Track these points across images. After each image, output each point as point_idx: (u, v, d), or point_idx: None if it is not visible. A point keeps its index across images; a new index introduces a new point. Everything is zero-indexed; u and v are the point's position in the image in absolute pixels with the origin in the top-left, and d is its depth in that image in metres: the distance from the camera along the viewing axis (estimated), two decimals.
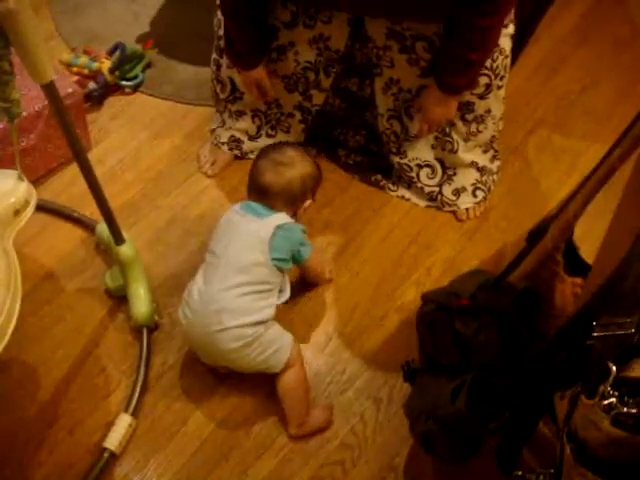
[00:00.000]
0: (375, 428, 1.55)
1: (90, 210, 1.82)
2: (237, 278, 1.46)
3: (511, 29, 1.66)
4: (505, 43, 1.66)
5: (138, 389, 1.56)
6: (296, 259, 1.57)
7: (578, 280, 1.33)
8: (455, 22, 1.51)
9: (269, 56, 1.76)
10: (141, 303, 1.63)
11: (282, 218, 1.55)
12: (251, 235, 1.50)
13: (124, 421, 1.50)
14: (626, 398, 0.77)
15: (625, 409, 0.76)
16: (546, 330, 1.24)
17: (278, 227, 1.51)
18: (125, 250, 1.61)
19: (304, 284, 1.76)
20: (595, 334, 0.87)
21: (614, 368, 0.79)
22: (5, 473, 1.47)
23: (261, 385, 1.59)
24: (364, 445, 1.53)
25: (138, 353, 1.62)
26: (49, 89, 1.16)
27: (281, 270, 1.52)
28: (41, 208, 1.82)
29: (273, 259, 1.48)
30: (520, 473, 1.10)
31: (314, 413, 1.55)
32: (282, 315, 1.69)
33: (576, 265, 1.35)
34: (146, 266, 1.71)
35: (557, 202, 1.91)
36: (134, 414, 1.52)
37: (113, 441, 1.47)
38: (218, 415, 1.56)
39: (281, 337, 1.53)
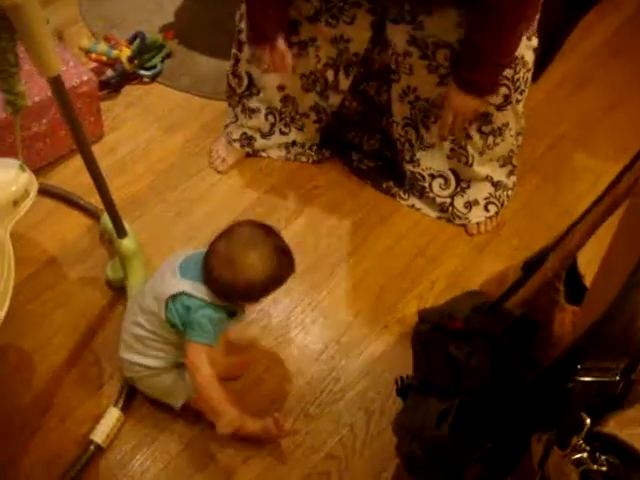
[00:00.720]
0: (364, 440, 1.53)
1: (98, 199, 1.81)
2: (138, 317, 1.44)
3: (534, 42, 1.62)
4: (528, 56, 1.62)
5: (128, 385, 1.54)
6: (185, 332, 1.40)
7: (577, 309, 1.30)
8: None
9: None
10: None
11: (194, 289, 1.39)
12: (161, 286, 1.42)
13: (112, 415, 1.49)
14: (598, 454, 0.74)
15: (595, 466, 0.73)
16: (543, 358, 1.22)
17: (180, 294, 1.39)
18: (126, 243, 1.60)
19: (301, 291, 1.74)
20: (578, 378, 0.84)
21: (588, 421, 0.75)
22: None
23: (251, 389, 1.58)
24: (351, 457, 1.51)
25: None
26: (55, 82, 1.15)
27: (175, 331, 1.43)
28: (48, 193, 1.83)
29: (166, 320, 1.40)
30: None
31: (265, 422, 1.48)
32: (278, 318, 1.70)
33: (579, 293, 1.31)
34: (148, 260, 1.70)
35: (571, 222, 1.91)
36: (123, 408, 1.51)
37: (100, 434, 1.47)
38: (205, 419, 1.53)
39: (178, 386, 1.47)
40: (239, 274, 1.36)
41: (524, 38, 1.57)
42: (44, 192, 1.79)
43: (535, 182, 2.00)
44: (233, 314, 1.43)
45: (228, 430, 1.38)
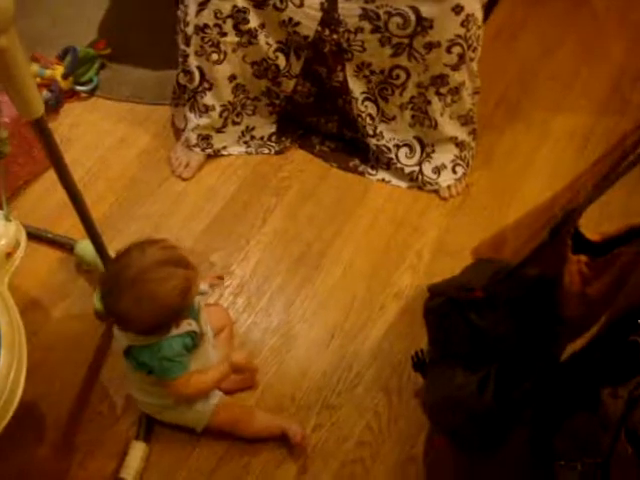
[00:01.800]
0: (389, 420, 1.55)
1: (63, 228, 1.74)
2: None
3: None
4: (478, 12, 1.64)
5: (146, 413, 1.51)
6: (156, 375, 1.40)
7: (583, 258, 1.34)
8: None
9: (240, 41, 1.71)
10: None
11: (137, 339, 1.34)
12: (115, 341, 1.41)
13: (137, 449, 1.45)
14: None
15: None
16: (562, 310, 1.25)
17: (131, 347, 1.35)
18: None
19: (295, 285, 1.73)
20: None
21: None
22: None
23: (269, 391, 1.57)
24: (381, 439, 1.53)
25: None
26: (39, 124, 1.08)
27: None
28: None
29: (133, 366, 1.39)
30: (563, 463, 1.11)
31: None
32: (279, 317, 1.69)
33: (578, 242, 1.35)
34: None
35: (534, 171, 1.97)
36: (145, 440, 1.47)
37: (130, 471, 1.43)
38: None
39: (194, 412, 1.45)
40: (136, 322, 1.29)
41: None
42: None
43: (492, 137, 2.02)
44: (188, 335, 1.37)
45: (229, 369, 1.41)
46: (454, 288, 1.37)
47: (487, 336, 1.28)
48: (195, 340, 1.39)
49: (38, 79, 1.96)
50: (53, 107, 1.96)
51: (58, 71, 1.95)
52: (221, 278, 1.68)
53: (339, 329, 1.67)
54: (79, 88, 2.02)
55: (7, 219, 1.23)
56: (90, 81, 2.04)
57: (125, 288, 1.26)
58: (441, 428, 1.36)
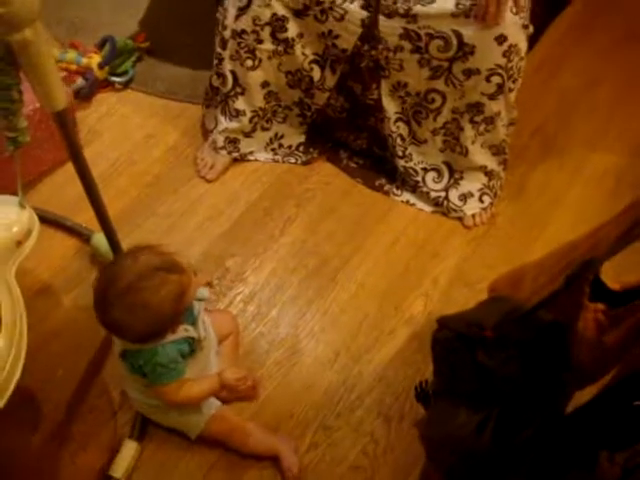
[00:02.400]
0: (386, 447, 1.52)
1: (83, 217, 1.73)
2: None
3: (530, 30, 1.61)
4: (522, 44, 1.61)
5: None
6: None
7: (600, 306, 1.30)
8: None
9: (276, 49, 1.70)
10: None
11: (127, 344, 1.34)
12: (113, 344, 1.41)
13: (129, 448, 1.44)
14: None
15: None
16: (571, 358, 1.22)
17: (126, 351, 1.35)
18: None
19: (307, 299, 1.71)
20: None
21: None
22: None
23: (268, 404, 1.55)
24: (376, 466, 1.50)
25: None
26: (61, 116, 1.08)
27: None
28: None
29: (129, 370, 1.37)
30: None
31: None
32: (287, 331, 1.67)
33: (597, 289, 1.32)
34: None
35: (563, 208, 1.92)
36: (138, 439, 1.46)
37: (119, 469, 1.42)
38: None
39: (189, 418, 1.45)
40: (130, 332, 1.27)
41: (520, 25, 1.55)
42: None
43: (524, 168, 1.99)
44: (185, 340, 1.35)
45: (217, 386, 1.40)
46: (465, 323, 1.33)
47: (493, 376, 1.25)
48: (192, 346, 1.37)
49: (74, 66, 1.97)
50: (86, 96, 1.97)
51: (94, 60, 1.96)
52: (210, 285, 1.63)
53: (345, 349, 1.64)
54: (114, 79, 2.02)
55: (21, 206, 1.23)
56: (126, 73, 2.04)
57: (117, 298, 1.24)
58: (437, 465, 1.33)
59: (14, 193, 1.24)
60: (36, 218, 1.25)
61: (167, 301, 1.27)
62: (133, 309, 1.24)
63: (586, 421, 0.97)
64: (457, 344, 1.34)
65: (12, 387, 1.10)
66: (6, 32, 0.91)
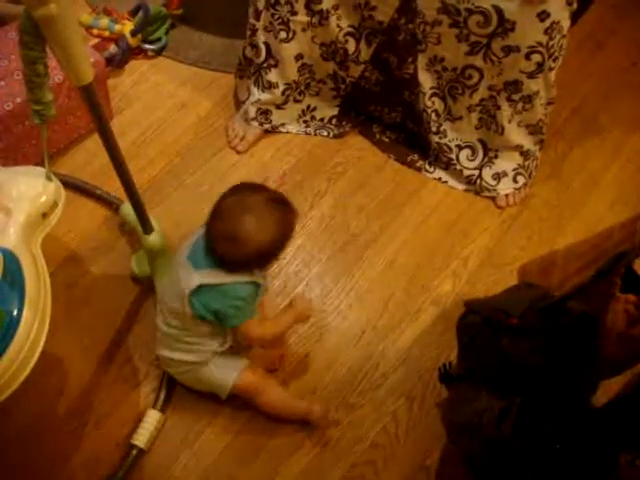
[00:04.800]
0: (407, 427, 1.52)
1: (113, 186, 1.72)
2: (171, 319, 1.40)
3: (574, 6, 1.53)
4: (565, 21, 1.54)
5: (166, 383, 1.51)
6: (221, 321, 1.39)
7: (632, 297, 1.27)
8: None
9: (310, 21, 1.66)
10: None
11: (209, 277, 1.35)
12: (178, 284, 1.36)
13: (152, 418, 1.46)
14: None
15: None
16: (599, 349, 1.20)
17: (204, 285, 1.34)
18: (153, 239, 1.52)
19: (334, 275, 1.70)
20: None
21: None
22: (32, 468, 1.43)
23: (291, 378, 1.56)
24: (396, 444, 1.50)
25: None
26: (87, 90, 1.07)
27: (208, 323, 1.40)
28: (62, 184, 1.72)
29: (194, 314, 1.36)
30: None
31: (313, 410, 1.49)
32: (314, 306, 1.64)
33: (629, 280, 1.28)
34: (174, 250, 1.62)
35: (600, 190, 1.87)
36: (162, 409, 1.48)
37: (142, 438, 1.44)
38: (247, 411, 1.50)
39: (222, 372, 1.44)
40: (247, 245, 1.31)
41: (564, 1, 1.49)
42: None
43: (561, 148, 1.94)
44: (257, 285, 1.38)
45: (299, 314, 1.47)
46: (491, 309, 1.31)
47: (516, 365, 1.23)
48: (259, 292, 1.39)
49: (107, 33, 1.95)
50: (118, 63, 1.95)
51: (127, 27, 1.94)
52: None
53: (371, 326, 1.64)
54: (147, 46, 2.00)
55: (48, 178, 1.23)
56: (159, 40, 2.02)
57: (253, 210, 1.30)
58: (457, 447, 1.33)
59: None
60: (62, 190, 1.25)
61: (290, 229, 1.37)
62: (265, 224, 1.30)
63: (608, 420, 0.95)
64: (483, 329, 1.32)
65: (37, 355, 1.11)
66: (30, 6, 0.89)
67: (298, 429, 1.50)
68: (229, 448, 1.47)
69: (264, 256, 1.37)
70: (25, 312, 1.08)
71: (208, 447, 1.47)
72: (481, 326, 1.31)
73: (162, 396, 1.50)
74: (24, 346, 1.07)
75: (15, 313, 1.06)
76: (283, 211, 1.35)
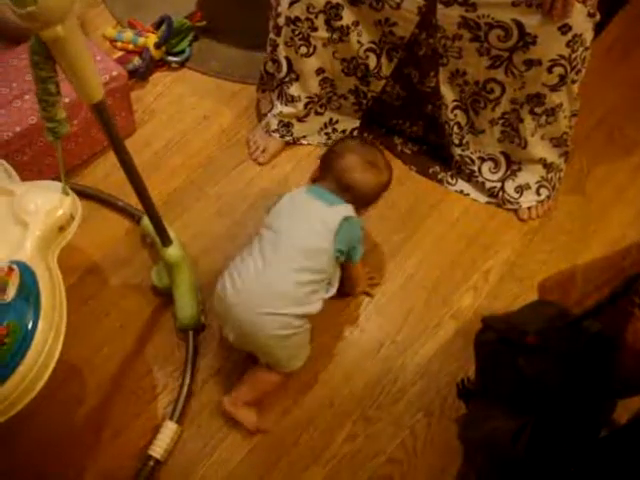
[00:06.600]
0: (425, 442, 1.51)
1: (135, 199, 1.71)
2: (301, 262, 1.39)
3: (597, 18, 1.51)
4: (588, 34, 1.52)
5: (184, 394, 1.52)
6: (350, 256, 1.48)
7: None
8: None
9: (330, 37, 1.66)
10: (187, 306, 1.57)
11: (349, 210, 1.48)
12: (320, 221, 1.43)
13: (169, 429, 1.47)
14: None
15: None
16: (616, 370, 1.17)
17: (345, 218, 1.43)
18: (172, 252, 1.53)
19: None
20: None
21: None
22: (50, 478, 1.45)
23: (309, 390, 1.56)
24: (413, 460, 1.49)
25: (184, 355, 1.57)
26: (98, 107, 1.08)
27: (336, 262, 1.46)
28: (85, 195, 1.76)
29: (336, 249, 1.41)
30: None
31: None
32: (332, 319, 1.65)
33: None
34: (194, 261, 1.66)
35: (625, 203, 1.84)
36: (179, 421, 1.49)
37: (158, 449, 1.45)
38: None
39: (308, 340, 1.49)
40: (379, 177, 1.53)
41: (586, 13, 1.46)
42: (79, 194, 1.72)
43: (585, 161, 1.91)
44: None
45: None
46: (509, 326, 1.30)
47: (532, 384, 1.21)
48: None
49: (131, 46, 1.98)
50: (142, 75, 1.97)
51: (151, 39, 1.96)
52: None
53: (390, 340, 1.63)
54: (170, 58, 2.02)
55: (65, 192, 1.24)
56: (182, 52, 2.03)
57: (373, 149, 1.56)
58: (472, 465, 1.31)
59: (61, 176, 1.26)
60: (79, 204, 1.26)
61: (390, 175, 1.58)
62: (379, 162, 1.53)
63: (623, 444, 0.93)
64: (500, 346, 1.31)
65: (51, 368, 1.12)
66: (37, 28, 0.91)
67: (314, 441, 1.49)
68: (246, 460, 1.47)
69: (379, 194, 1.57)
70: (40, 325, 1.09)
71: (225, 459, 1.47)
72: (498, 343, 1.29)
73: (179, 407, 1.51)
74: (38, 360, 1.09)
75: (30, 326, 1.07)
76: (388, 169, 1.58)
